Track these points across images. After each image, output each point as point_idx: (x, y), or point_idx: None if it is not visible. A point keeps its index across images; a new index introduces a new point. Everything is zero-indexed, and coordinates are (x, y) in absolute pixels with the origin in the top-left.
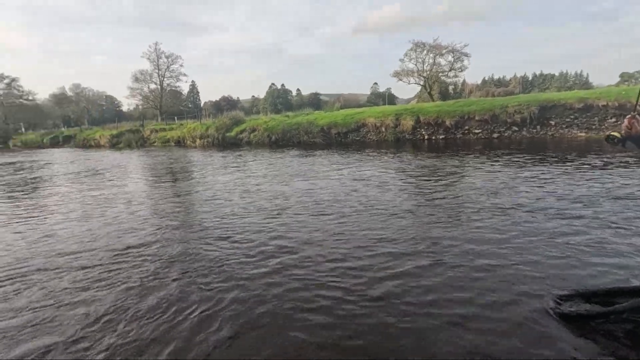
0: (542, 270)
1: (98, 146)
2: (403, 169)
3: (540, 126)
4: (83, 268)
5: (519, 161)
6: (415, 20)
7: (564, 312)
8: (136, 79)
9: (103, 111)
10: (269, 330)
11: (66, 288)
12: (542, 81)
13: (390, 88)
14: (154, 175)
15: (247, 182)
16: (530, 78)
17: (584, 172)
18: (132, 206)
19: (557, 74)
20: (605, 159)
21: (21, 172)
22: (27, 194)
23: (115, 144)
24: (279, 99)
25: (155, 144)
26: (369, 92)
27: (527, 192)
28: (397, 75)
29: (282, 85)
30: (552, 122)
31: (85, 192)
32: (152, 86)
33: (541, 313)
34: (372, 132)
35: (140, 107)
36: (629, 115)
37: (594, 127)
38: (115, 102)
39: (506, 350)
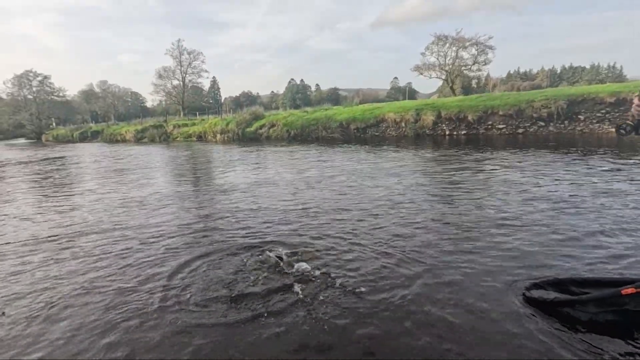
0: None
1: (124, 141)
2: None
3: (568, 121)
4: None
5: (548, 161)
6: (439, 11)
7: (533, 298)
8: (160, 76)
9: (128, 107)
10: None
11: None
12: (572, 74)
13: (410, 83)
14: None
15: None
16: (558, 71)
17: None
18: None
19: (588, 66)
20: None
21: (77, 164)
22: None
23: (140, 139)
24: (298, 95)
25: (177, 139)
26: (388, 87)
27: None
28: (418, 69)
29: (301, 80)
30: (581, 117)
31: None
32: (175, 82)
33: (517, 297)
34: (391, 128)
35: (163, 102)
36: (638, 94)
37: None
38: (140, 98)
39: (478, 324)
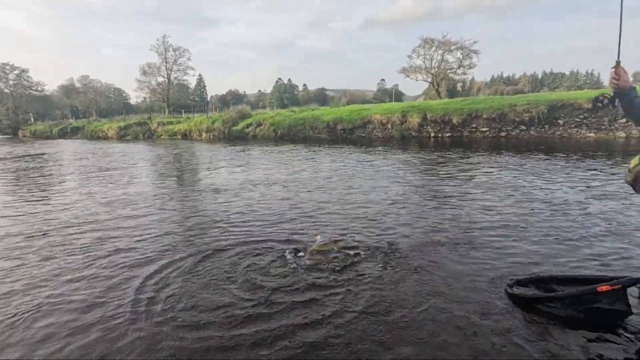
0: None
1: (106, 138)
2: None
3: (548, 125)
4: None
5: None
6: (427, 14)
7: (513, 293)
8: (144, 72)
9: (111, 103)
10: None
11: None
12: (552, 80)
13: (397, 85)
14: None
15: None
16: (540, 77)
17: (588, 173)
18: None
19: (567, 72)
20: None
21: (60, 162)
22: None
23: (122, 136)
24: (286, 94)
25: (162, 136)
26: (375, 89)
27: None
28: (405, 71)
29: (289, 80)
30: (561, 122)
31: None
32: (160, 79)
33: (498, 293)
34: (378, 129)
35: (147, 99)
36: (613, 67)
37: (603, 127)
38: (123, 95)
39: (460, 315)
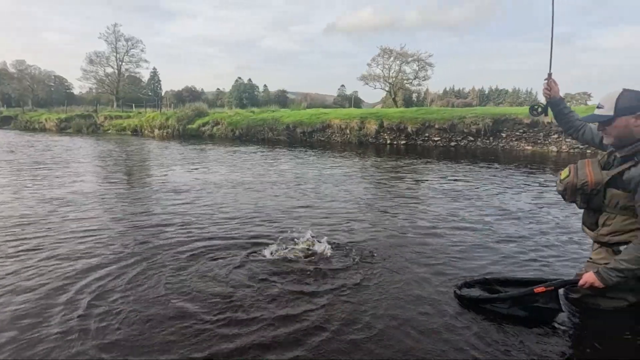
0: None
1: (43, 130)
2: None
3: (493, 138)
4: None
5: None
6: (387, 25)
7: (460, 294)
8: (91, 61)
9: (51, 92)
10: None
11: None
12: (497, 95)
13: (357, 91)
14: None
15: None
16: (486, 92)
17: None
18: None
19: (510, 89)
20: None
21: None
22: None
23: (63, 129)
24: (245, 94)
25: (109, 131)
26: (335, 94)
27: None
28: (364, 79)
29: (249, 80)
30: (504, 135)
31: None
32: (109, 70)
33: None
34: (337, 134)
35: (94, 91)
36: (545, 78)
37: (539, 141)
38: (66, 84)
39: (408, 314)
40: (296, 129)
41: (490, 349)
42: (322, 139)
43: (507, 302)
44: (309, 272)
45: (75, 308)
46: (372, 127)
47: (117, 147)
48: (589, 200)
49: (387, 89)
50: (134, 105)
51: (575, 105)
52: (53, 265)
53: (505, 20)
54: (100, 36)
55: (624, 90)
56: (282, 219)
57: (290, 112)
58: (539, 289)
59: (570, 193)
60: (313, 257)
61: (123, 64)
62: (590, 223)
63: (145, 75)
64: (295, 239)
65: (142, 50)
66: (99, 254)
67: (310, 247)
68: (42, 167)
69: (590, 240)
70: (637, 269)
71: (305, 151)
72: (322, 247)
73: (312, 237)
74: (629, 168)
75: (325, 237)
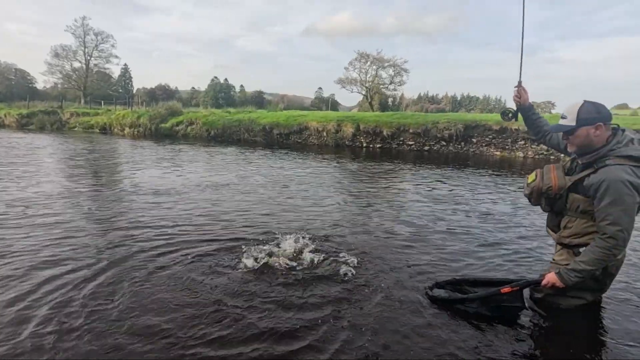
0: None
1: (2, 126)
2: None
3: (464, 143)
4: None
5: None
6: (364, 30)
7: (432, 295)
8: (56, 54)
9: (11, 86)
10: None
11: None
12: (469, 102)
13: (334, 94)
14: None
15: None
16: (458, 98)
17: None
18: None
19: (481, 97)
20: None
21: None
22: None
23: (24, 125)
24: (221, 94)
25: (75, 129)
26: (313, 96)
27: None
28: (341, 82)
29: (226, 79)
30: (474, 140)
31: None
32: (76, 65)
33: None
34: (313, 136)
35: (59, 86)
36: (515, 86)
37: (507, 147)
38: (28, 78)
39: (381, 315)
40: (273, 130)
41: (463, 344)
42: (299, 141)
43: (476, 302)
44: (291, 280)
45: (27, 321)
46: (348, 130)
47: (87, 145)
48: (553, 203)
49: (363, 92)
50: (102, 102)
51: (541, 113)
52: (9, 274)
53: (477, 30)
54: (67, 29)
55: (585, 102)
56: (263, 222)
57: (267, 113)
58: (506, 289)
59: (536, 196)
60: (295, 264)
61: (92, 59)
62: (554, 225)
63: (115, 71)
64: (277, 245)
65: (112, 46)
66: (63, 259)
67: (293, 254)
68: (3, 167)
69: (554, 242)
70: (594, 270)
71: (284, 153)
72: (305, 254)
73: (295, 242)
74: (589, 175)
75: (307, 242)
